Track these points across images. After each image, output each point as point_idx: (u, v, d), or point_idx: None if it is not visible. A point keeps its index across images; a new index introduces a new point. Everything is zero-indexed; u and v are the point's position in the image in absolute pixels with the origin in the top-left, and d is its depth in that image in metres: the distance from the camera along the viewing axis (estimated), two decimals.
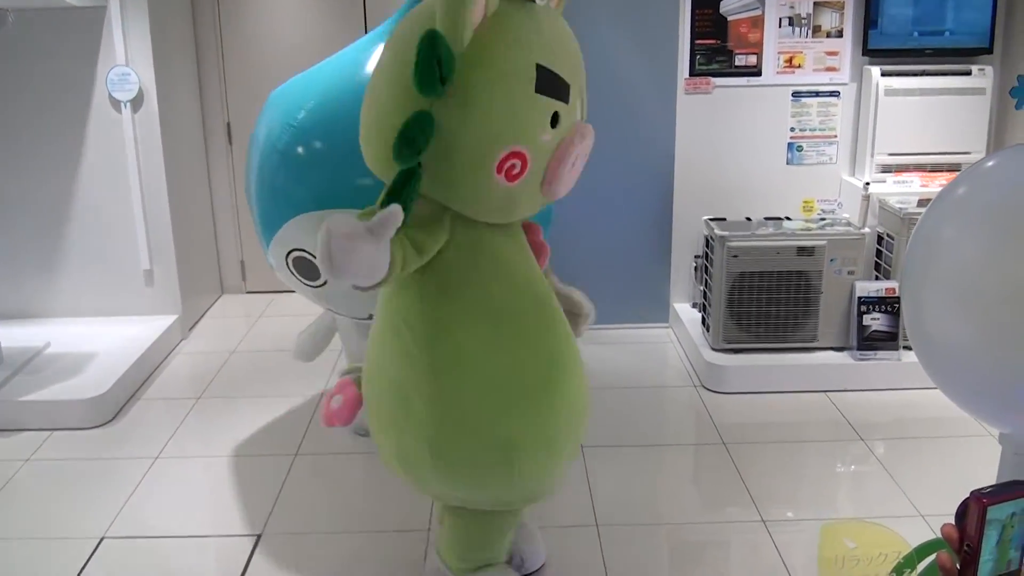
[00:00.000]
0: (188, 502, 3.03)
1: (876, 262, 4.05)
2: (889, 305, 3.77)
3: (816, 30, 4.19)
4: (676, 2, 4.17)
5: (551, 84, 1.80)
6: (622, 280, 4.43)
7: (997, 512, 1.04)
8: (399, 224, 1.65)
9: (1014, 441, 1.98)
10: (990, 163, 1.99)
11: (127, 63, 4.20)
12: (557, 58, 1.83)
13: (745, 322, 3.85)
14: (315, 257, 2.73)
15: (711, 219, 4.05)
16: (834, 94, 4.26)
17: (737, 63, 4.22)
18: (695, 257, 4.36)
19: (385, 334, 2.07)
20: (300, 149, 2.67)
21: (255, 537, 2.79)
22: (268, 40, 4.99)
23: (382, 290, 2.07)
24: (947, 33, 4.13)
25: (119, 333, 4.23)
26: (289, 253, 2.81)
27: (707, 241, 4.03)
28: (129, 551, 2.74)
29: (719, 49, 4.21)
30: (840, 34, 4.19)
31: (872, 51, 4.16)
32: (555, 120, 1.83)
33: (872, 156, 4.14)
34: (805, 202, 4.12)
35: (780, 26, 4.18)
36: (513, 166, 1.81)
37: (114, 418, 3.64)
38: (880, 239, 4.01)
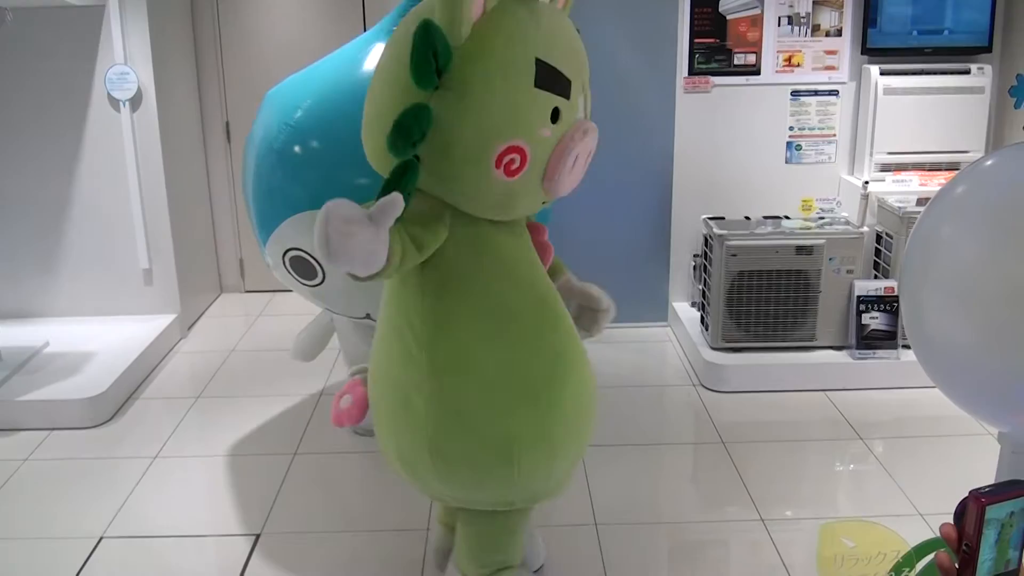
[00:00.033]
0: (187, 501, 3.03)
1: (875, 261, 4.05)
2: (888, 304, 3.77)
3: (815, 29, 4.19)
4: (675, 1, 4.18)
5: (551, 79, 1.79)
6: (621, 279, 4.39)
7: (996, 511, 1.04)
8: (399, 212, 1.62)
9: (1012, 440, 1.98)
10: (989, 162, 1.99)
11: (126, 62, 4.19)
12: (558, 54, 1.82)
13: (744, 321, 3.85)
14: (312, 256, 2.74)
15: (710, 218, 4.05)
16: (833, 93, 4.26)
17: (736, 62, 4.22)
18: (694, 256, 4.36)
19: (387, 332, 2.07)
20: (297, 148, 2.67)
21: (254, 537, 2.79)
22: (267, 39, 4.99)
23: (385, 288, 2.07)
24: (946, 32, 4.13)
25: (118, 332, 4.23)
26: (286, 252, 2.81)
27: (706, 240, 4.03)
28: (128, 551, 2.74)
29: (718, 48, 4.21)
30: (839, 33, 4.19)
31: (871, 50, 4.16)
32: (556, 116, 1.82)
33: (871, 155, 4.14)
34: (804, 201, 4.12)
35: (779, 25, 4.18)
36: (512, 160, 1.80)
37: (113, 417, 3.64)
38: (879, 238, 4.01)
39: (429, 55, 1.68)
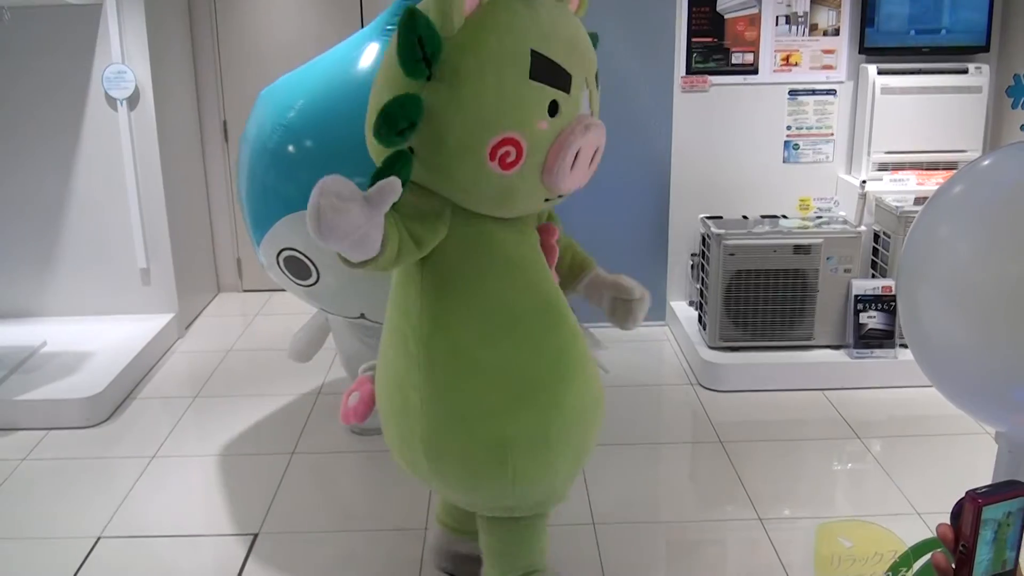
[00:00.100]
0: (185, 501, 3.03)
1: (872, 260, 4.05)
2: (886, 303, 3.78)
3: (813, 28, 4.19)
4: (673, 0, 4.17)
5: (547, 71, 1.77)
6: None
7: (992, 512, 1.04)
8: (396, 197, 1.60)
9: (1010, 439, 1.98)
10: (987, 162, 1.99)
11: (123, 61, 4.19)
12: (557, 47, 1.80)
13: (742, 320, 3.85)
14: (307, 256, 2.74)
15: (708, 217, 4.05)
16: (831, 92, 4.26)
17: (734, 61, 4.22)
18: (692, 255, 4.36)
19: (389, 331, 2.07)
20: (290, 148, 2.67)
21: (252, 536, 2.79)
22: (265, 38, 4.99)
23: (391, 287, 2.06)
24: (944, 31, 4.13)
25: (115, 332, 4.23)
26: (280, 252, 2.81)
27: (704, 239, 4.03)
28: (126, 550, 2.74)
29: (716, 47, 4.21)
30: (837, 32, 4.19)
31: (869, 49, 4.16)
32: (555, 110, 1.80)
33: (868, 154, 4.15)
34: (802, 200, 4.13)
35: (777, 24, 4.18)
36: (508, 153, 1.78)
37: (110, 417, 3.63)
38: (876, 237, 4.01)
39: (414, 42, 1.67)
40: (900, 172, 4.11)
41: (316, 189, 1.52)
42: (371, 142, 1.90)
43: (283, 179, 2.69)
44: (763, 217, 4.07)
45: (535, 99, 1.77)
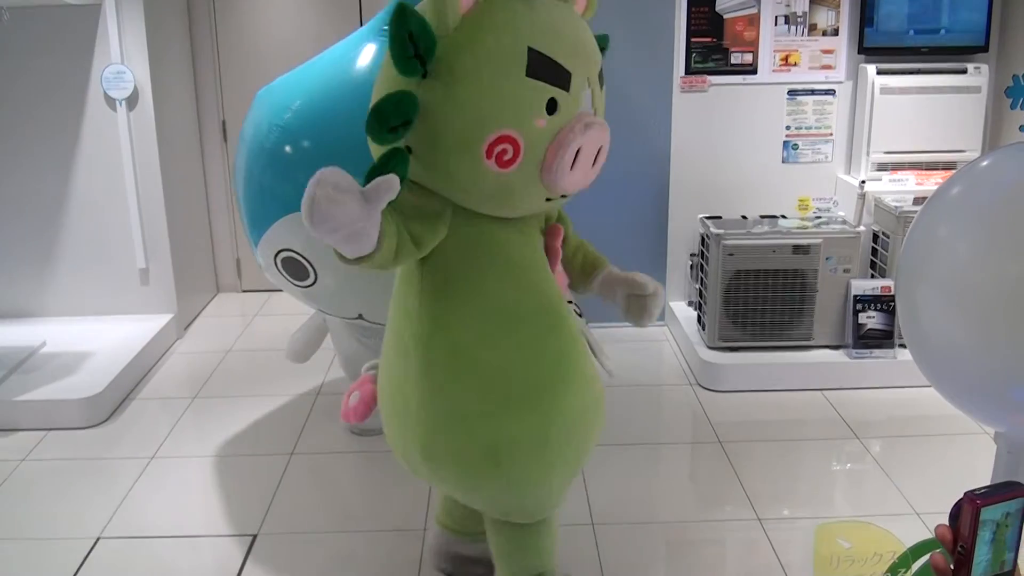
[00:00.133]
0: (184, 502, 3.03)
1: (872, 260, 4.05)
2: (885, 303, 3.78)
3: (812, 28, 4.19)
4: (672, 0, 4.17)
5: (545, 69, 1.75)
6: None
7: (991, 513, 1.04)
8: (393, 195, 1.58)
9: (1009, 440, 1.98)
10: (986, 162, 1.99)
11: (122, 61, 4.19)
12: (556, 44, 1.78)
13: (741, 320, 3.85)
14: (304, 257, 2.74)
15: (707, 217, 4.05)
16: (830, 92, 4.27)
17: (733, 61, 4.22)
18: (691, 255, 4.36)
19: (391, 331, 2.06)
20: (288, 148, 2.66)
21: (251, 537, 2.79)
22: (264, 38, 4.99)
23: (394, 287, 2.06)
24: (943, 31, 4.13)
25: (115, 332, 4.23)
26: (278, 253, 2.81)
27: (703, 239, 4.03)
28: (125, 551, 2.74)
29: (715, 47, 4.21)
30: (836, 32, 4.20)
31: (868, 49, 4.16)
32: (554, 107, 1.78)
33: (868, 154, 4.15)
34: (801, 200, 4.13)
35: (776, 24, 4.18)
36: (504, 151, 1.76)
37: (110, 418, 3.63)
38: (876, 237, 4.01)
39: (405, 38, 1.66)
40: (899, 172, 4.11)
41: (314, 179, 1.50)
42: (371, 140, 1.90)
43: (280, 180, 2.69)
44: (762, 217, 4.07)
45: (532, 97, 1.75)
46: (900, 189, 4.01)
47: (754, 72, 4.24)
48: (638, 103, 4.30)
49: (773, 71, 4.24)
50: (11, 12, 3.86)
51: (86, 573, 2.62)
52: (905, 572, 1.51)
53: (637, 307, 2.17)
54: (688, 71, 4.24)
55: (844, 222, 3.95)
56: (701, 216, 4.11)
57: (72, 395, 3.58)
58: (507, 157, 1.77)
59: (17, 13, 3.94)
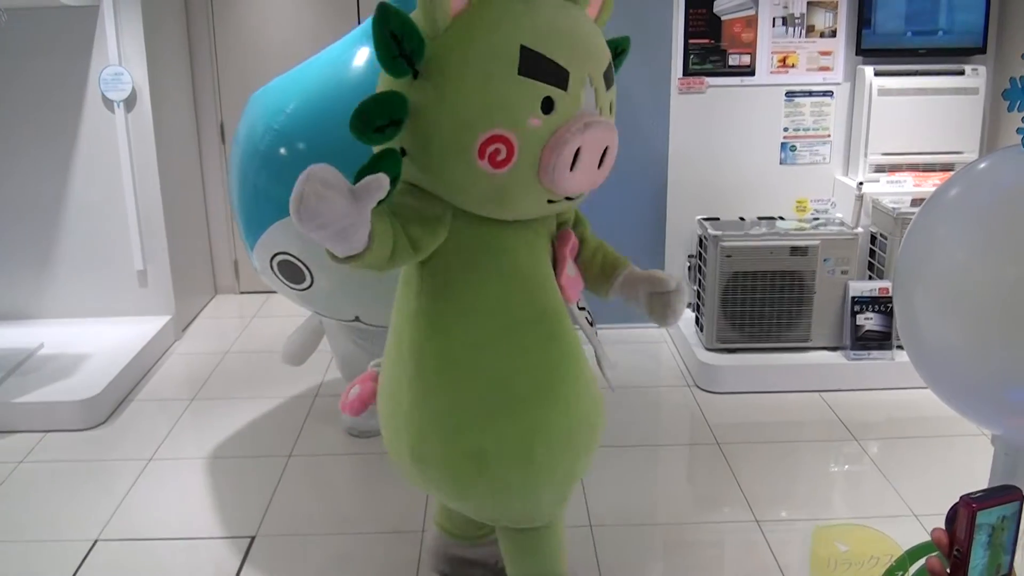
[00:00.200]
0: (182, 504, 3.03)
1: (869, 262, 4.05)
2: (883, 305, 3.78)
3: (810, 30, 4.20)
4: (670, 1, 4.18)
5: (538, 67, 1.72)
6: None
7: (986, 516, 1.04)
8: (383, 194, 1.56)
9: (1006, 442, 1.98)
10: (983, 164, 1.99)
11: (120, 63, 4.19)
12: (552, 42, 1.74)
13: (739, 322, 3.85)
14: (300, 260, 2.74)
15: (704, 219, 4.05)
16: (827, 94, 4.27)
17: (731, 63, 4.23)
18: (689, 257, 4.36)
19: (391, 333, 2.06)
20: (282, 151, 2.66)
21: (249, 539, 2.79)
22: (262, 40, 4.98)
23: (398, 288, 2.05)
24: (940, 33, 4.14)
25: (113, 334, 4.22)
26: (274, 257, 2.80)
27: (701, 241, 4.03)
28: (123, 553, 2.73)
29: (713, 49, 4.21)
30: (833, 34, 4.20)
31: (865, 51, 4.17)
32: (550, 107, 1.74)
33: (865, 156, 4.15)
34: (799, 202, 4.13)
35: (774, 26, 4.19)
36: (497, 151, 1.73)
37: (108, 419, 3.63)
38: (873, 239, 4.01)
39: (388, 38, 1.65)
40: (897, 174, 4.12)
41: (303, 175, 1.49)
42: (360, 140, 1.88)
43: (275, 183, 2.68)
44: (760, 219, 4.07)
45: (525, 96, 1.72)
46: (898, 191, 4.01)
47: (752, 74, 4.24)
48: (636, 104, 4.30)
49: (771, 73, 4.24)
50: (8, 14, 3.86)
51: (84, 575, 2.61)
52: (902, 575, 1.51)
53: (660, 305, 2.11)
54: (686, 73, 4.24)
55: (842, 224, 3.96)
56: (699, 218, 4.11)
57: (70, 397, 3.58)
58: (500, 158, 1.74)
59: (14, 15, 3.93)
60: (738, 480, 3.09)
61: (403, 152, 1.78)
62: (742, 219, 4.10)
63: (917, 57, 4.13)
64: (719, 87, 4.26)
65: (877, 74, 4.09)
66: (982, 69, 4.07)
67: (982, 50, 4.13)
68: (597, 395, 2.09)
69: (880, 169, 4.15)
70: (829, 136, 4.31)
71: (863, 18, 4.13)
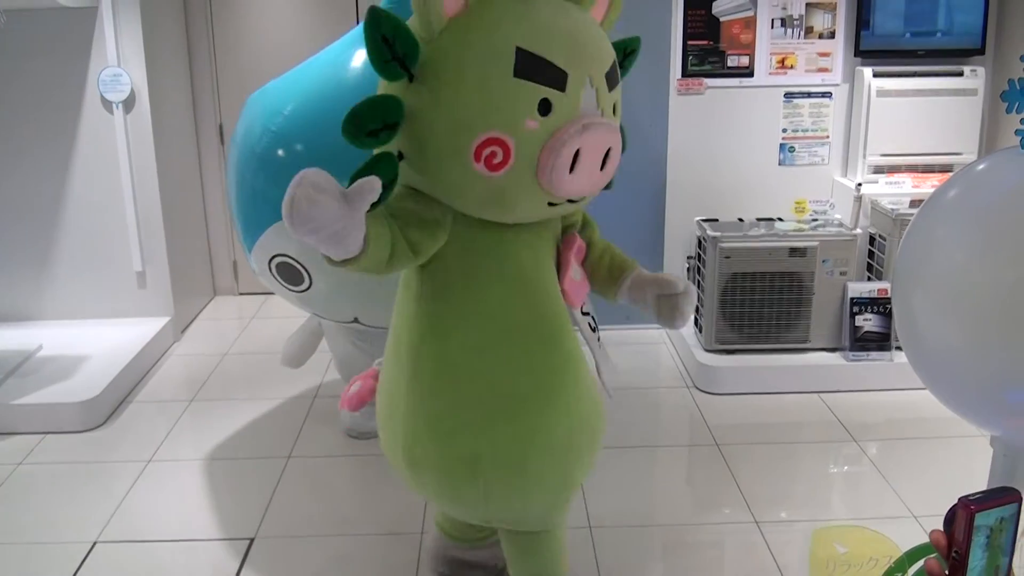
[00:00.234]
0: (181, 505, 3.02)
1: (868, 263, 4.06)
2: (881, 306, 3.78)
3: (808, 31, 4.20)
4: (668, 3, 4.18)
5: (534, 68, 1.70)
6: None
7: (985, 518, 1.04)
8: (375, 196, 1.56)
9: (1005, 444, 1.98)
10: (982, 166, 1.99)
11: (119, 64, 4.18)
12: (551, 44, 1.72)
13: (737, 323, 3.86)
14: (299, 262, 2.74)
15: (703, 220, 4.05)
16: (826, 95, 4.27)
17: (729, 64, 4.23)
18: (687, 258, 4.36)
19: (390, 335, 2.05)
20: (280, 152, 2.66)
21: (248, 540, 2.78)
22: (261, 41, 4.98)
23: (398, 290, 2.05)
24: (939, 34, 4.14)
25: (111, 335, 4.22)
26: (272, 259, 2.80)
27: (699, 242, 4.03)
28: (122, 555, 2.73)
29: (711, 50, 4.21)
30: (832, 35, 4.20)
31: (864, 52, 4.17)
32: (547, 108, 1.73)
33: (864, 157, 4.15)
34: (797, 203, 4.13)
35: (772, 27, 4.19)
36: (494, 154, 1.71)
37: (107, 421, 3.63)
38: (872, 240, 4.01)
39: (379, 42, 1.64)
40: (896, 175, 4.12)
41: (295, 179, 1.49)
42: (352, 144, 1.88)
43: (272, 184, 2.67)
44: (759, 220, 4.07)
45: (521, 97, 1.70)
46: (897, 192, 4.01)
47: (750, 75, 4.24)
48: (635, 106, 4.29)
49: (769, 74, 4.24)
50: (8, 15, 3.86)
51: None
52: None
53: (668, 308, 2.05)
54: (685, 74, 4.24)
55: (841, 225, 3.96)
56: (698, 219, 4.11)
57: (69, 398, 3.58)
58: (496, 160, 1.72)
59: (13, 16, 3.93)
60: (737, 481, 3.09)
61: (400, 156, 1.78)
62: (741, 220, 4.10)
63: (916, 58, 4.13)
64: (718, 88, 4.26)
65: (876, 75, 4.09)
66: (981, 70, 4.07)
67: (981, 51, 4.13)
68: (598, 400, 2.08)
69: (879, 170, 4.15)
70: (828, 137, 4.31)
71: (862, 19, 4.13)
